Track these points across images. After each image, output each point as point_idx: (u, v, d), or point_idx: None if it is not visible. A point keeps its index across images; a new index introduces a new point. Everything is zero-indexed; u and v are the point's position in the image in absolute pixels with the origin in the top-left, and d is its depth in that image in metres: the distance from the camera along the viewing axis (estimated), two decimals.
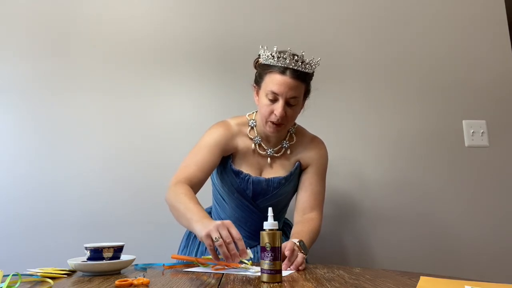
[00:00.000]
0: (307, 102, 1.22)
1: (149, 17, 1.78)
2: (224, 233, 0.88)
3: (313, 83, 1.20)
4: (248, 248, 0.90)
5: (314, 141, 1.30)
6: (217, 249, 0.90)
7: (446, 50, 1.90)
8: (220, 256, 0.91)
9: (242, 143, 1.24)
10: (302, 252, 1.00)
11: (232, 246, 0.87)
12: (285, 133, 1.27)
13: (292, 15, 1.85)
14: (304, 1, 1.87)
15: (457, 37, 1.91)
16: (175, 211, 1.06)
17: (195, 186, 1.14)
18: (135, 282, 0.74)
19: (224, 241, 0.87)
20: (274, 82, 1.11)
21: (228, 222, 0.91)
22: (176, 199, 1.05)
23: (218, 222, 0.90)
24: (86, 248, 0.92)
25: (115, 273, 0.91)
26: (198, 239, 1.30)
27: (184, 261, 1.05)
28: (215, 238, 0.87)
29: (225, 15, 1.81)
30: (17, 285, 0.70)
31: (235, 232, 0.89)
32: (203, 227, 0.91)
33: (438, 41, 1.90)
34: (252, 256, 0.91)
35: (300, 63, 1.11)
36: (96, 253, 0.91)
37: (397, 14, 1.91)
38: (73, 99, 1.68)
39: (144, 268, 0.99)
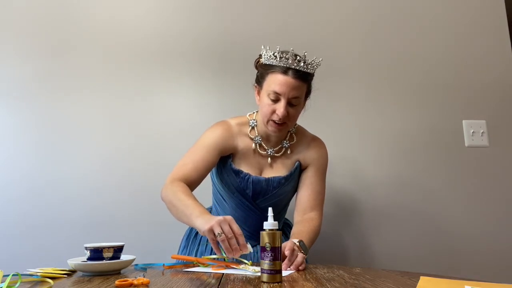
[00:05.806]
0: (307, 102, 1.22)
1: (149, 18, 1.78)
2: (226, 228, 0.90)
3: (313, 83, 1.20)
4: (247, 243, 0.94)
5: (315, 141, 1.30)
6: (218, 243, 0.93)
7: (446, 50, 1.89)
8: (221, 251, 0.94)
9: (242, 143, 1.24)
10: (302, 252, 1.00)
11: (233, 241, 0.90)
12: (286, 133, 1.27)
13: (291, 14, 1.85)
14: (304, 0, 1.87)
15: (457, 37, 1.91)
16: (173, 208, 1.08)
17: (192, 184, 1.15)
18: (135, 282, 0.74)
19: (226, 236, 0.90)
20: (276, 82, 1.11)
21: (229, 217, 0.93)
22: (174, 197, 1.07)
23: (220, 217, 0.93)
24: (86, 248, 0.92)
25: (115, 273, 0.91)
26: (198, 238, 1.31)
27: (184, 261, 1.05)
28: (218, 233, 0.90)
29: (223, 15, 1.81)
30: (17, 285, 0.70)
31: (236, 227, 0.92)
32: (205, 222, 0.94)
33: (438, 41, 1.90)
34: (252, 251, 0.94)
35: (302, 64, 1.11)
36: (96, 253, 0.91)
37: (397, 13, 1.90)
38: (73, 99, 1.68)
39: (144, 268, 0.99)
